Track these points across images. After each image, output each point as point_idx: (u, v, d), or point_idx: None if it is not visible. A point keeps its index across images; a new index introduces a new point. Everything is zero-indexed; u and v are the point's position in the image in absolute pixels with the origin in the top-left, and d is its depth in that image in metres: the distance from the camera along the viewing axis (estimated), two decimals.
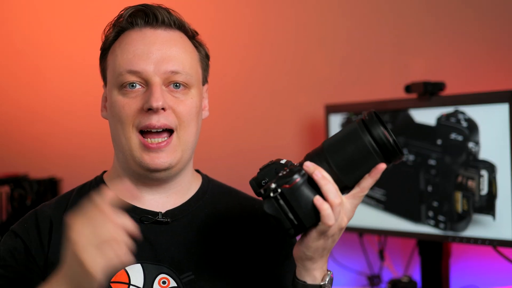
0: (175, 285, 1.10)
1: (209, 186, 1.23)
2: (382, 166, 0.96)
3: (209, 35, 1.22)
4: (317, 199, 0.95)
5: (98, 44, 1.19)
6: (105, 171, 1.24)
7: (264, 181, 0.99)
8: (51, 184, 2.09)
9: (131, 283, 1.10)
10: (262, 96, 2.26)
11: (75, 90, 2.26)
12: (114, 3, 1.35)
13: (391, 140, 0.96)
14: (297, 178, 0.95)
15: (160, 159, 1.10)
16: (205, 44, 1.21)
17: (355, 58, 2.23)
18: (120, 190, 1.16)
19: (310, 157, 0.99)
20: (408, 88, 1.90)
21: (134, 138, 1.11)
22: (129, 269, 1.10)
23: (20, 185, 2.02)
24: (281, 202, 0.96)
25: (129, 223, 0.90)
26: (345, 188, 0.99)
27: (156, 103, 1.08)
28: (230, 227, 1.18)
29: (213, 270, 1.13)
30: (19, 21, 2.28)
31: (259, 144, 2.23)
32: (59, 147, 2.26)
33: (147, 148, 1.10)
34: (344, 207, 0.98)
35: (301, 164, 0.98)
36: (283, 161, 1.01)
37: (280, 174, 0.97)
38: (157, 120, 1.09)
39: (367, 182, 0.97)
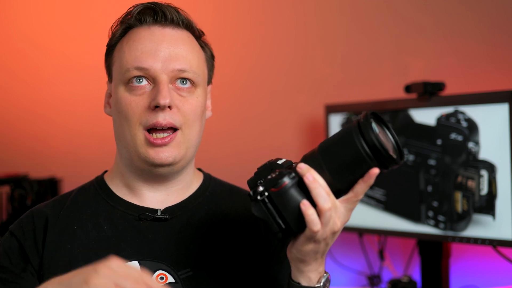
0: (173, 280, 1.10)
1: (210, 184, 1.23)
2: (375, 171, 0.93)
3: (208, 35, 1.23)
4: (303, 204, 0.93)
5: (99, 44, 1.19)
6: (106, 171, 1.24)
7: (259, 182, 0.97)
8: (51, 184, 2.09)
9: None
10: (262, 96, 2.26)
11: (75, 90, 2.26)
12: (114, 3, 1.36)
13: (388, 144, 0.93)
14: (286, 181, 0.93)
15: (164, 153, 1.11)
16: (210, 44, 1.22)
17: (355, 58, 2.23)
18: (120, 188, 1.17)
19: (305, 158, 0.96)
20: (408, 88, 1.90)
21: (140, 135, 1.11)
22: None
23: (21, 185, 2.01)
24: (269, 205, 0.93)
25: None
26: (339, 192, 0.95)
27: (164, 100, 1.08)
28: (229, 225, 1.18)
29: (211, 267, 1.13)
30: (19, 21, 2.28)
31: (259, 144, 2.23)
32: (59, 147, 2.26)
33: (152, 143, 1.10)
34: (337, 211, 0.95)
35: (296, 165, 0.95)
36: (280, 161, 0.99)
37: (269, 177, 0.95)
38: (163, 118, 1.09)
39: (361, 187, 0.94)
